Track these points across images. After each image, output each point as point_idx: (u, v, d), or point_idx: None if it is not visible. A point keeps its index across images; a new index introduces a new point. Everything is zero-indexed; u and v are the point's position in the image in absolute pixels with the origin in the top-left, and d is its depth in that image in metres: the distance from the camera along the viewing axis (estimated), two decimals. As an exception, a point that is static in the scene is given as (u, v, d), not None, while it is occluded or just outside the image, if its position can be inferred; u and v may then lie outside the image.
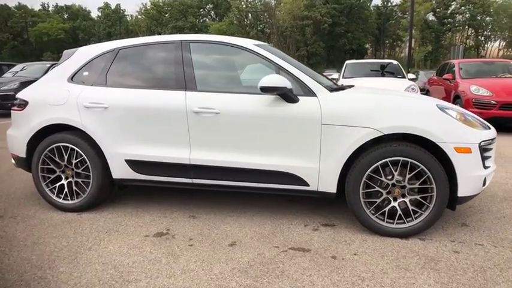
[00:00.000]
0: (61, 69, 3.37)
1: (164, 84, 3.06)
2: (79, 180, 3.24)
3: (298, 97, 2.80)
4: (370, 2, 48.49)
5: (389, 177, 2.72)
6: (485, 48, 47.64)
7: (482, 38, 46.59)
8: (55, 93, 3.22)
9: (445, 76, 8.82)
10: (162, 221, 3.08)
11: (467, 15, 44.72)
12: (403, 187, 2.72)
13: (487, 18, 43.99)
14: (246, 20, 52.16)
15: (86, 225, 3.01)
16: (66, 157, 3.21)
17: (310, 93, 2.82)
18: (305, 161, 2.81)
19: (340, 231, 2.88)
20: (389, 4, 51.41)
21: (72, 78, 3.28)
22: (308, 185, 2.85)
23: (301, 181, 2.85)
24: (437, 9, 43.15)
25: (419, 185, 2.68)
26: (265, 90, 2.71)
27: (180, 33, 53.38)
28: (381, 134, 2.64)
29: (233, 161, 2.91)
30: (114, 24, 47.26)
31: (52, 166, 3.27)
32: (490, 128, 2.84)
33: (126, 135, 3.07)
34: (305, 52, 48.69)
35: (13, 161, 3.59)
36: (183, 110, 2.93)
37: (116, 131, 3.08)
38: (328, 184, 2.81)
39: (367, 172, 2.71)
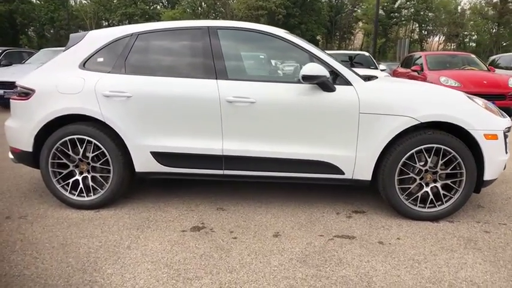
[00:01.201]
0: (69, 54, 3.07)
1: (192, 73, 2.91)
2: (96, 175, 3.01)
3: (335, 86, 2.80)
4: (323, -7, 49.52)
5: (422, 163, 2.82)
6: (428, 42, 50.84)
7: (426, 32, 49.66)
8: (67, 81, 2.94)
9: (413, 68, 9.28)
10: (192, 215, 2.96)
11: (411, 10, 47.33)
12: (435, 173, 2.85)
13: (430, 14, 46.89)
14: (199, 8, 50.97)
15: (111, 222, 2.81)
16: (81, 150, 2.96)
17: (346, 82, 2.83)
18: (341, 150, 2.83)
19: (372, 217, 2.96)
20: (341, -3, 52.88)
21: (84, 64, 3.01)
22: (343, 173, 2.89)
23: (336, 170, 2.87)
24: (385, 4, 45.15)
25: (450, 170, 2.82)
26: (306, 78, 2.69)
27: (129, 20, 51.00)
28: (418, 122, 2.73)
29: (268, 151, 2.86)
30: (57, 8, 43.85)
31: (65, 161, 3.00)
32: (506, 116, 3.05)
33: (152, 126, 2.89)
34: (260, 42, 48.67)
35: (11, 156, 3.24)
36: (216, 99, 2.82)
37: (140, 122, 2.89)
38: (364, 172, 2.86)
39: (403, 159, 2.79)
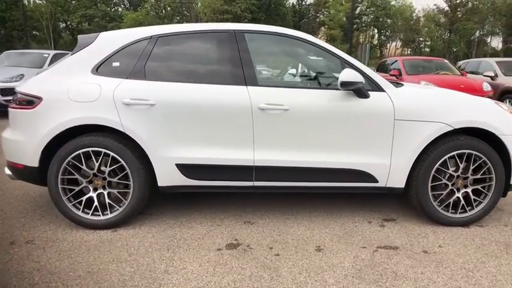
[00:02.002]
0: (80, 58, 2.78)
1: (219, 79, 2.73)
2: (114, 190, 2.74)
3: (369, 92, 2.73)
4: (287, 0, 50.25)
5: (454, 169, 2.82)
6: (387, 47, 53.01)
7: (385, 38, 51.78)
8: (81, 88, 2.65)
9: (392, 72, 9.51)
10: (220, 231, 2.77)
11: (371, 17, 49.22)
12: (465, 178, 2.85)
13: (388, 20, 48.99)
14: (163, 11, 49.92)
15: (135, 244, 2.56)
16: (97, 164, 2.68)
17: (378, 88, 2.77)
18: (376, 158, 2.76)
19: (405, 225, 2.91)
20: (304, 3, 53.92)
21: (97, 69, 2.73)
22: (377, 182, 2.82)
23: (370, 178, 2.80)
24: (348, 10, 46.69)
25: (482, 175, 2.83)
26: (344, 85, 2.60)
27: (89, 22, 48.91)
28: (451, 129, 2.72)
29: (301, 161, 2.73)
30: (8, 8, 41.11)
31: (77, 176, 2.70)
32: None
33: (178, 136, 2.67)
34: (226, 46, 48.50)
35: (8, 172, 2.88)
36: (248, 107, 2.65)
37: (165, 132, 2.66)
38: (398, 180, 2.81)
39: (436, 165, 2.77)
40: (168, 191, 2.80)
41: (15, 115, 2.75)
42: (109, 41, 2.81)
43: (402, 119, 2.71)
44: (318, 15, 54.64)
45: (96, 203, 2.72)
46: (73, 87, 2.64)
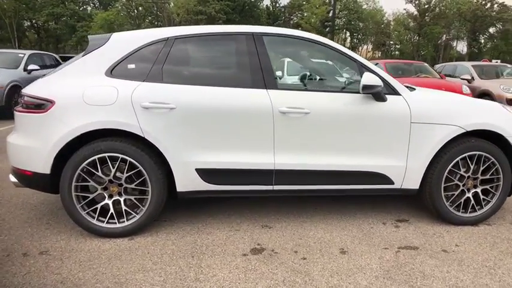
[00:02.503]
0: (92, 59, 2.67)
1: (238, 82, 2.70)
2: (130, 197, 2.64)
3: (386, 96, 2.78)
4: (261, 1, 50.45)
5: (465, 170, 2.92)
6: (359, 51, 54.27)
7: (357, 41, 53.03)
8: (97, 91, 2.54)
9: (374, 75, 9.75)
10: (241, 235, 2.73)
11: (344, 20, 50.25)
12: (475, 179, 2.96)
13: (360, 24, 50.20)
14: (135, 10, 48.83)
15: (156, 251, 2.48)
16: (113, 170, 2.58)
17: (395, 92, 2.83)
18: (393, 160, 2.82)
19: (418, 225, 2.98)
20: (278, 5, 54.35)
21: (111, 71, 2.63)
22: (393, 183, 2.87)
23: (387, 180, 2.85)
24: (321, 14, 47.45)
25: (491, 175, 2.95)
26: (366, 88, 2.63)
27: (57, 20, 47.09)
28: (464, 131, 2.81)
29: (321, 164, 2.75)
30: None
31: (92, 183, 2.59)
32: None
33: (198, 140, 2.62)
34: (200, 47, 48.13)
35: (13, 179, 2.73)
36: (269, 110, 2.64)
37: (185, 136, 2.60)
38: (413, 181, 2.88)
39: (449, 167, 2.86)
40: (186, 197, 2.74)
41: (23, 119, 2.60)
42: (123, 43, 2.71)
43: (418, 121, 2.78)
44: (292, 17, 55.23)
45: (112, 210, 2.62)
46: (88, 90, 2.53)
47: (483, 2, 45.16)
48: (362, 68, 2.83)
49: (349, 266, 2.35)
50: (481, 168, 2.92)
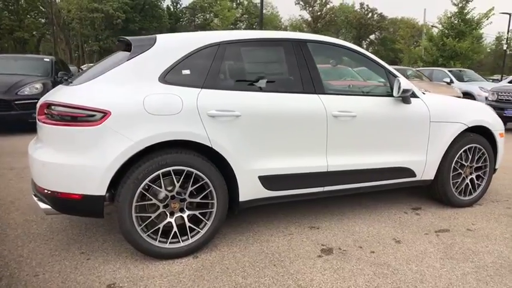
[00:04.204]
0: (138, 65, 2.41)
1: (292, 87, 2.75)
2: (195, 212, 2.48)
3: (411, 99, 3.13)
4: (162, 1, 48.94)
5: (465, 160, 3.44)
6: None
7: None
8: (158, 99, 2.32)
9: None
10: (300, 239, 2.77)
11: (245, 23, 51.94)
12: (471, 167, 3.51)
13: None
14: (15, 5, 42.72)
15: (233, 265, 2.38)
16: (178, 185, 2.38)
17: (415, 95, 3.19)
18: (417, 155, 3.18)
19: (432, 211, 3.40)
20: (179, 5, 53.40)
21: (164, 77, 2.43)
22: (415, 176, 3.24)
23: (411, 173, 3.20)
24: (221, 17, 48.26)
25: (481, 163, 3.52)
26: (404, 92, 2.92)
27: None
28: (466, 127, 3.32)
29: (366, 163, 2.96)
30: None
31: (154, 201, 2.36)
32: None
33: (261, 147, 2.59)
34: (97, 48, 44.64)
35: (45, 206, 2.32)
36: (323, 114, 2.74)
37: (249, 144, 2.54)
38: (430, 173, 3.29)
39: (455, 158, 3.35)
40: (246, 206, 2.67)
41: (59, 133, 2.23)
42: (172, 47, 2.52)
43: (435, 120, 3.19)
44: (194, 18, 54.81)
45: (175, 228, 2.42)
46: (149, 99, 2.30)
47: (365, 12, 51.28)
48: (388, 74, 3.12)
49: (412, 252, 2.60)
50: (476, 158, 3.48)
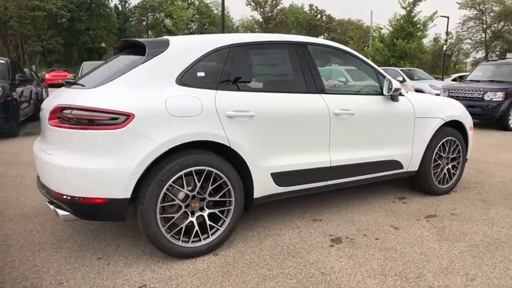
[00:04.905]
0: (154, 67, 2.42)
1: (299, 88, 2.89)
2: (214, 210, 2.53)
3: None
4: (109, 0, 47.02)
5: (443, 152, 3.80)
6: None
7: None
8: (181, 101, 2.35)
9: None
10: (308, 231, 2.93)
11: (197, 24, 51.48)
12: (447, 158, 3.87)
13: (213, 28, 52.33)
14: None
15: (255, 259, 2.48)
16: (198, 185, 2.43)
17: (401, 94, 3.47)
18: (405, 148, 3.47)
19: (416, 199, 3.72)
20: (128, 5, 51.64)
21: (181, 79, 2.46)
22: (403, 168, 3.53)
23: (400, 165, 3.49)
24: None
25: (456, 154, 3.90)
26: (395, 91, 3.18)
27: None
28: (444, 122, 3.67)
29: (363, 157, 3.19)
30: None
31: (177, 201, 2.38)
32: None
33: (273, 145, 2.70)
34: (40, 48, 41.92)
35: (63, 213, 2.26)
36: (326, 113, 2.92)
37: (262, 143, 2.64)
38: (415, 164, 3.60)
39: (436, 150, 3.69)
40: (259, 203, 2.77)
41: (82, 137, 2.19)
42: (186, 49, 2.57)
43: (419, 116, 3.50)
44: (143, 18, 53.32)
45: (196, 227, 2.46)
46: (171, 101, 2.33)
47: (314, 13, 52.96)
48: (378, 74, 3.37)
49: (411, 237, 2.86)
50: (452, 149, 3.85)
